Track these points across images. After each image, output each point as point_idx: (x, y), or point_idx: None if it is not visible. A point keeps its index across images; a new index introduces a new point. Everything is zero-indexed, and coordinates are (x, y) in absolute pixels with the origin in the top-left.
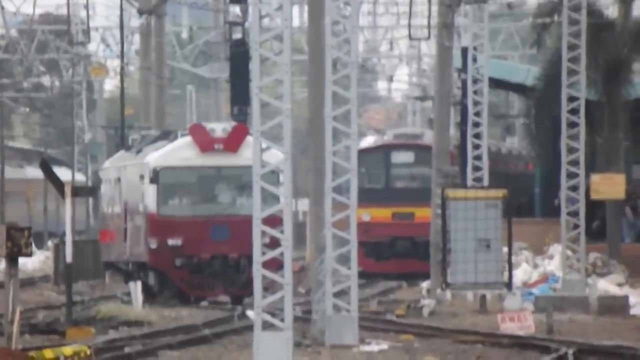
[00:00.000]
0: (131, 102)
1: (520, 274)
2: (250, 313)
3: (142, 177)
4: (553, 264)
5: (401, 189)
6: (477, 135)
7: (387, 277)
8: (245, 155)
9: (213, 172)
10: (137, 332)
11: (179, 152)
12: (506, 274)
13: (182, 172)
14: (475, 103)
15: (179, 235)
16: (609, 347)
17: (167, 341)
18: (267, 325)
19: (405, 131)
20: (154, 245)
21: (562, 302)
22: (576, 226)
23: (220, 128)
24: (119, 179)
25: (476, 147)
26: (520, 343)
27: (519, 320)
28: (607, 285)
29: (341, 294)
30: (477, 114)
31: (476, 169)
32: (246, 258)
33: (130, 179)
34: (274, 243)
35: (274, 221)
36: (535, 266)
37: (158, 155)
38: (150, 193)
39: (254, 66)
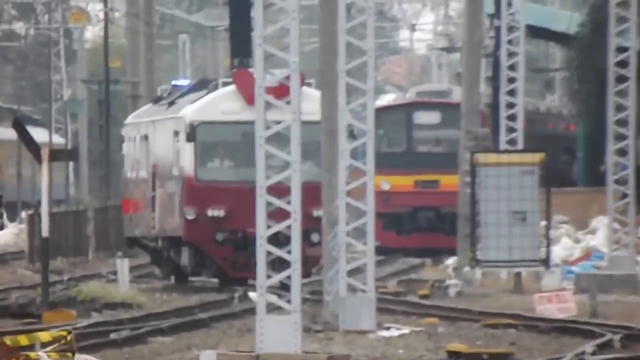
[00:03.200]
0: (116, 53)
1: (560, 250)
2: (252, 294)
3: (176, 134)
4: (597, 239)
5: (425, 153)
6: (512, 92)
7: (408, 253)
8: (302, 108)
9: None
10: (123, 315)
11: (221, 104)
12: (544, 250)
13: (224, 128)
14: (510, 55)
15: (221, 204)
16: None
17: (157, 325)
18: (271, 308)
19: (430, 88)
20: (190, 216)
21: (607, 281)
22: (624, 195)
23: (270, 75)
24: (145, 138)
25: (510, 105)
26: (559, 327)
27: (557, 301)
28: None
29: (356, 272)
30: (512, 67)
31: (510, 130)
32: (303, 233)
33: (161, 138)
34: (285, 215)
35: (281, 190)
36: (577, 241)
37: (195, 108)
38: (186, 153)
39: (256, 12)
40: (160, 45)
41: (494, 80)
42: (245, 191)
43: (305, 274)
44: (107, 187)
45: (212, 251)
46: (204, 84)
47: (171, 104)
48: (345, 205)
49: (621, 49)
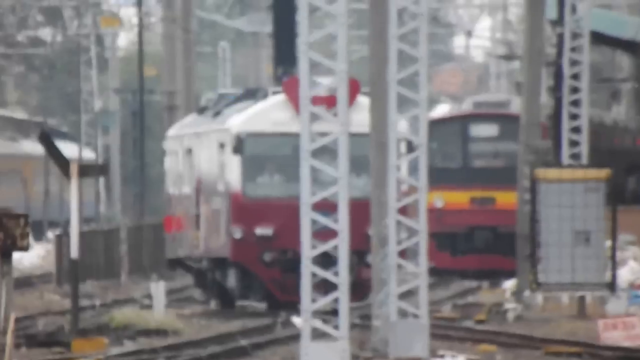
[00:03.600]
0: (151, 61)
1: (627, 273)
2: (296, 319)
3: (221, 146)
4: None
5: (481, 168)
6: (575, 103)
7: (463, 275)
8: (357, 119)
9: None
10: (159, 343)
11: (271, 114)
12: (609, 272)
13: (274, 140)
14: (574, 63)
15: (270, 222)
16: None
17: (196, 354)
18: (317, 334)
19: (487, 98)
20: (237, 235)
21: None
22: None
23: (324, 83)
24: (189, 151)
25: (574, 117)
26: (626, 356)
27: (624, 328)
28: None
29: (408, 295)
30: (576, 76)
31: (573, 144)
32: (358, 254)
33: (206, 150)
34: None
35: (334, 207)
36: None
37: (243, 119)
38: (233, 167)
39: (301, 17)
40: (199, 53)
41: (556, 90)
42: (295, 208)
43: (361, 297)
44: (141, 205)
45: (261, 272)
46: (252, 93)
47: (217, 114)
48: (395, 224)
49: None
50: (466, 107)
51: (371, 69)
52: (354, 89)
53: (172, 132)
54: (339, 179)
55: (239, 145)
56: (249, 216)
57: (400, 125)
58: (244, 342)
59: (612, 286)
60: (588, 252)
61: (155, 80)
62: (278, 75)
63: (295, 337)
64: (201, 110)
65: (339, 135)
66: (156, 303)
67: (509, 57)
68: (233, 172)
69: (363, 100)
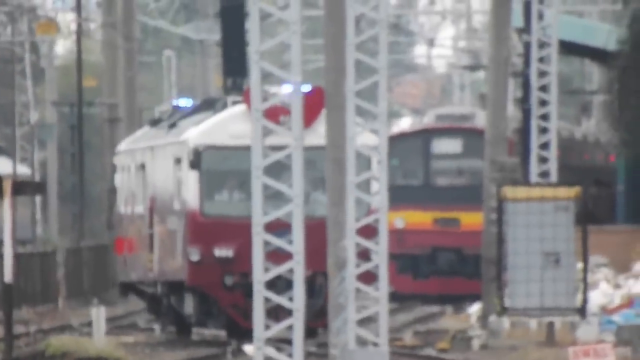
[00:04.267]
0: (91, 71)
1: (598, 297)
2: (248, 348)
3: (177, 161)
4: None
5: (445, 187)
6: (544, 117)
7: (426, 299)
8: (323, 131)
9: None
10: None
11: (231, 126)
12: (580, 296)
13: (235, 154)
14: (542, 74)
15: (231, 243)
16: None
17: None
18: None
19: (451, 111)
20: (195, 257)
21: None
22: None
23: (287, 93)
24: (142, 166)
25: (542, 131)
26: None
27: (596, 356)
28: None
29: (367, 322)
30: (544, 88)
31: (542, 160)
32: (323, 276)
33: (160, 166)
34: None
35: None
36: (618, 287)
37: (201, 131)
38: (190, 184)
39: (252, 25)
40: (142, 62)
41: (524, 102)
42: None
43: (324, 324)
44: (80, 225)
45: (221, 298)
46: (210, 104)
47: (172, 126)
48: (354, 246)
49: None
50: (428, 120)
51: (327, 80)
52: (320, 99)
53: (123, 146)
54: (294, 197)
55: (197, 159)
56: (208, 236)
57: (369, 139)
58: None
59: (582, 311)
60: (557, 275)
61: (95, 92)
62: (227, 86)
63: None
64: (155, 123)
65: (292, 150)
66: (96, 330)
67: (473, 68)
68: (190, 188)
69: None
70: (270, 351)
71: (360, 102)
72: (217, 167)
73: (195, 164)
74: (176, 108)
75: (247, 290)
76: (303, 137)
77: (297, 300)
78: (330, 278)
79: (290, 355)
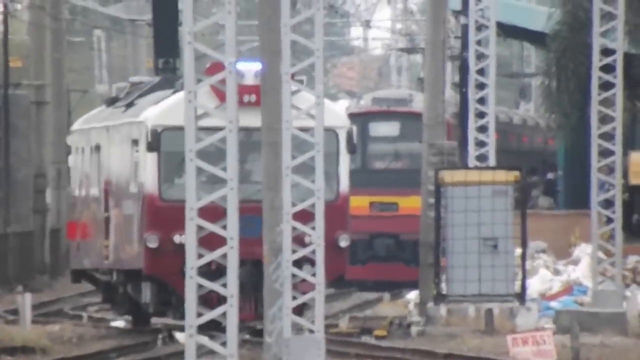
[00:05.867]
0: (17, 51)
1: (537, 283)
2: (179, 335)
3: (134, 142)
4: (580, 270)
5: (382, 171)
6: (481, 100)
7: (363, 286)
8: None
9: (241, 136)
10: None
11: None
12: (519, 283)
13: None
14: (479, 57)
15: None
16: None
17: None
18: (203, 352)
19: (387, 94)
20: (152, 244)
21: (591, 319)
22: (610, 220)
23: (252, 70)
24: (97, 147)
25: (480, 115)
26: None
27: (535, 343)
28: None
29: (303, 309)
30: (481, 71)
31: (480, 144)
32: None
33: (116, 147)
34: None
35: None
36: (557, 273)
37: (160, 111)
38: (148, 166)
39: (184, 5)
40: (70, 43)
41: (461, 86)
42: (220, 213)
43: (296, 314)
44: (6, 211)
45: (180, 287)
46: (169, 82)
47: (129, 105)
48: (290, 231)
49: (606, 52)
50: (364, 103)
51: (262, 62)
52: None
53: (77, 125)
54: (229, 180)
55: (155, 141)
56: (166, 222)
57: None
58: None
59: (521, 297)
60: (496, 261)
61: (22, 73)
62: (159, 67)
63: (178, 355)
64: (111, 101)
65: (227, 133)
66: (22, 318)
67: (410, 50)
68: (148, 171)
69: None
70: (203, 339)
71: (296, 85)
72: (176, 149)
73: (153, 145)
74: (134, 85)
75: (208, 279)
76: (238, 119)
77: (231, 286)
78: (266, 264)
79: (223, 343)
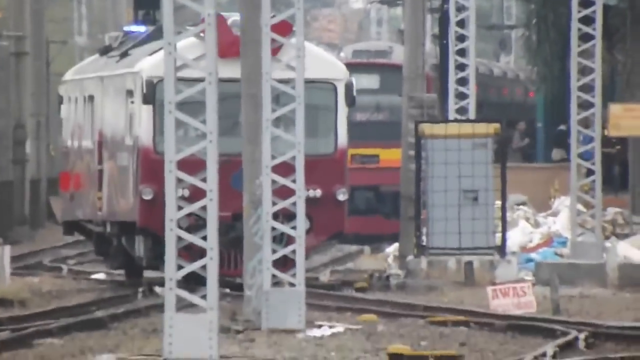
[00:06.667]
0: None
1: (517, 236)
2: (159, 289)
3: (129, 94)
4: (559, 222)
5: (362, 123)
6: (461, 52)
7: (343, 239)
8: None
9: (237, 88)
10: (3, 314)
11: (188, 56)
12: (499, 235)
13: (191, 87)
14: (459, 9)
15: (186, 182)
16: (630, 330)
17: (45, 326)
18: (183, 305)
19: (368, 46)
20: (147, 197)
21: (571, 271)
22: (590, 172)
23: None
24: (90, 98)
25: (460, 67)
26: (517, 325)
27: (515, 295)
28: (630, 250)
29: (283, 262)
30: (461, 23)
31: (460, 96)
32: (285, 218)
33: (110, 98)
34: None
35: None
36: (537, 225)
37: (155, 62)
38: (143, 118)
39: None
40: None
41: (441, 38)
42: (224, 166)
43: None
44: None
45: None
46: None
47: (123, 55)
48: (270, 183)
49: (585, 3)
50: (345, 56)
51: (241, 14)
52: (285, 29)
53: (69, 75)
54: (208, 133)
55: (150, 92)
56: (161, 175)
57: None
58: (99, 313)
59: (501, 250)
60: (476, 214)
61: (1, 24)
62: (139, 18)
63: (158, 308)
64: (104, 50)
65: (206, 85)
66: (1, 270)
67: (390, 3)
68: (143, 123)
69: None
70: (183, 292)
71: (276, 36)
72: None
73: (148, 98)
74: (128, 34)
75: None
76: (217, 71)
77: (211, 239)
78: (246, 217)
79: (203, 296)
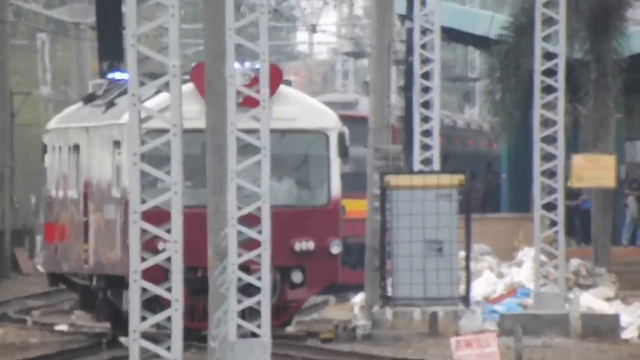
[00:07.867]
0: None
1: (482, 286)
2: (123, 339)
3: (116, 144)
4: (523, 273)
5: None
6: (426, 104)
7: None
8: (278, 112)
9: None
10: None
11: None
12: (463, 286)
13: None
14: (424, 61)
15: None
16: None
17: None
18: (147, 356)
19: (333, 98)
20: None
21: (534, 322)
22: (554, 223)
23: (239, 70)
24: (76, 148)
25: (425, 119)
26: None
27: (478, 345)
28: (593, 301)
29: (249, 313)
30: (426, 75)
31: (425, 147)
32: (278, 270)
33: (96, 148)
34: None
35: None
36: (501, 275)
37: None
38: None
39: (128, 7)
40: (14, 45)
41: (407, 90)
42: (205, 218)
43: (284, 321)
44: None
45: (164, 295)
46: (152, 80)
47: (109, 105)
48: (235, 235)
49: (549, 56)
50: None
51: (207, 65)
52: (276, 77)
53: (53, 123)
54: (172, 185)
55: None
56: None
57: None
58: None
59: (465, 300)
60: (440, 264)
61: None
62: (103, 69)
63: (123, 359)
64: (88, 99)
65: (171, 136)
66: None
67: (356, 55)
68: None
69: (286, 91)
70: (147, 344)
71: (242, 89)
72: (160, 152)
73: None
74: (113, 82)
75: (193, 287)
76: (182, 123)
77: (175, 290)
78: (211, 268)
79: (168, 348)
